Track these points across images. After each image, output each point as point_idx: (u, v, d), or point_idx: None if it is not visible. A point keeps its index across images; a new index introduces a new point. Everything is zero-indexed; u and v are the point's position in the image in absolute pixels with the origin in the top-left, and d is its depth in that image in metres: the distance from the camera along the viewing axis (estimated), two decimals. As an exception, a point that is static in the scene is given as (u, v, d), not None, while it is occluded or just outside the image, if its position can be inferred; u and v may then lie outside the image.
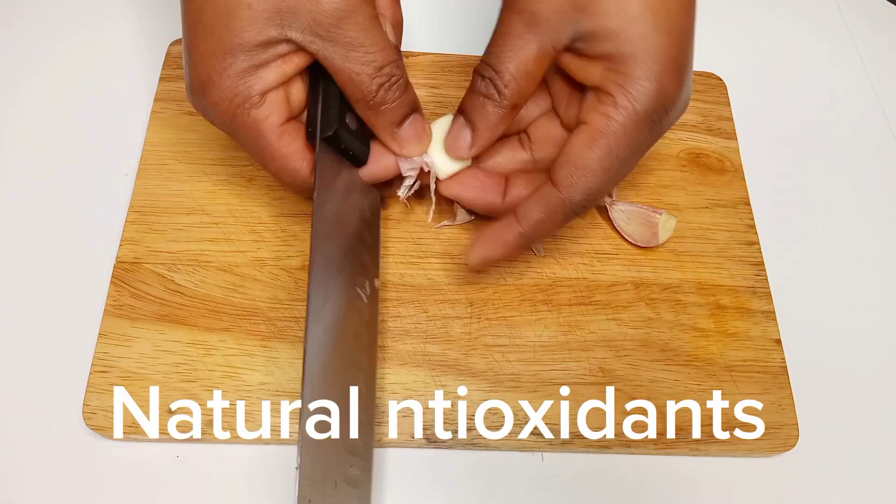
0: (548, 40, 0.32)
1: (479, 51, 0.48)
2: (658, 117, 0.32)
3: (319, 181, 0.34)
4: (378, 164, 0.37)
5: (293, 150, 0.34)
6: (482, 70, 0.33)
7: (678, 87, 0.32)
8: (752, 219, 0.43)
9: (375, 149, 0.36)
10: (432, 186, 0.38)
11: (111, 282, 0.38)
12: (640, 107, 0.31)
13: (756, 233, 0.43)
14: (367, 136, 0.36)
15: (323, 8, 0.31)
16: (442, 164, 0.37)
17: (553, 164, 0.34)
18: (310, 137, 0.35)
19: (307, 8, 0.31)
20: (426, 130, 0.36)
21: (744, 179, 0.45)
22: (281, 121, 0.34)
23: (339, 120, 0.34)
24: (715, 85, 0.48)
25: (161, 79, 0.43)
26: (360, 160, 0.36)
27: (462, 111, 0.35)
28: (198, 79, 0.33)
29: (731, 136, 0.46)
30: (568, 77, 0.34)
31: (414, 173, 0.37)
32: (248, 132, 0.33)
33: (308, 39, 0.32)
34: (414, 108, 0.36)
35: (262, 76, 0.33)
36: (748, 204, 0.44)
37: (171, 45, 0.45)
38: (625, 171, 0.34)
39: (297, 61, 0.33)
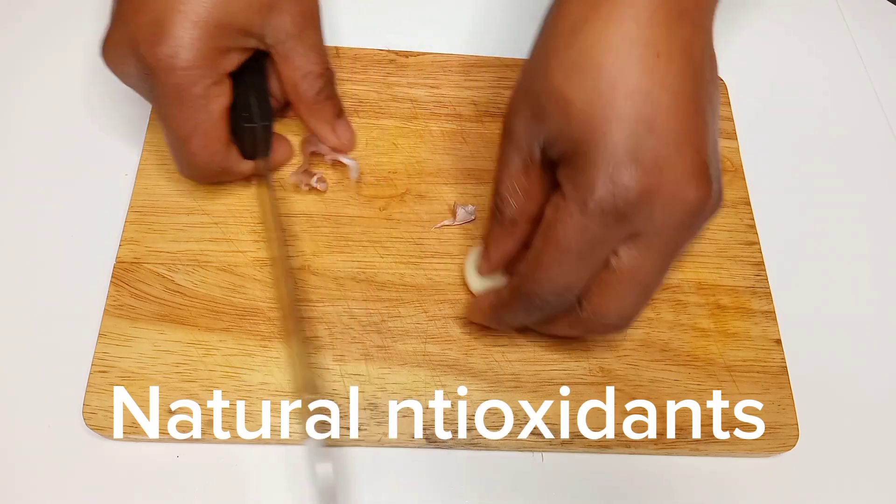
0: (525, 153, 0.33)
1: (479, 51, 0.48)
2: (615, 210, 0.29)
3: None
4: (282, 154, 0.42)
5: (224, 135, 0.37)
6: (495, 200, 0.35)
7: (636, 175, 0.29)
8: (752, 219, 0.43)
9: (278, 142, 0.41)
10: None
11: (111, 282, 0.38)
12: (589, 199, 0.29)
13: (756, 233, 0.43)
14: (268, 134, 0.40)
15: (304, 8, 0.37)
16: (474, 283, 0.39)
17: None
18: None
19: (290, 6, 0.36)
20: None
21: (744, 179, 0.45)
22: (227, 105, 0.36)
23: (260, 116, 0.38)
24: (715, 85, 0.48)
25: (161, 79, 0.43)
26: (258, 152, 0.39)
27: (484, 240, 0.38)
28: (171, 36, 0.33)
29: (732, 136, 0.46)
30: None
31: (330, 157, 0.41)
32: (195, 104, 0.35)
33: (280, 38, 0.37)
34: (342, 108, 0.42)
35: (232, 59, 0.36)
36: (748, 204, 0.44)
37: (171, 44, 0.45)
38: (590, 266, 0.31)
39: (242, 57, 0.37)
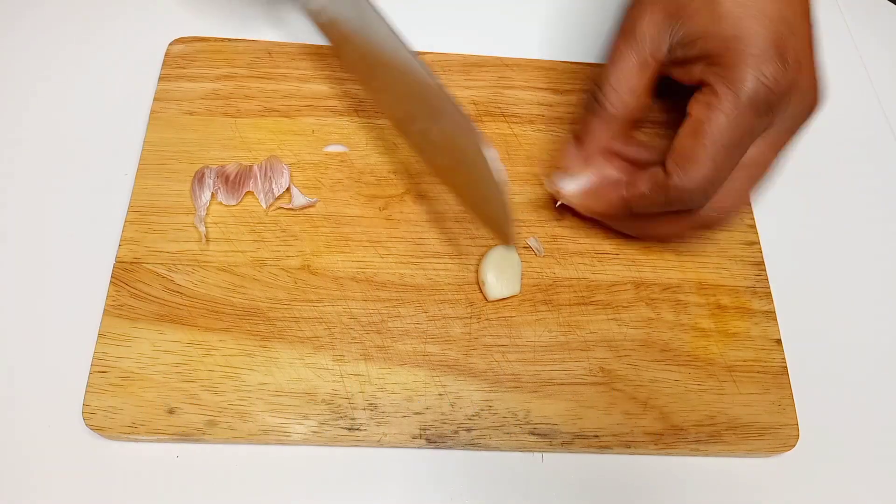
0: (646, 52, 0.35)
1: (479, 51, 0.48)
2: (766, 102, 0.33)
3: None
4: None
5: None
6: (588, 87, 0.36)
7: (783, 69, 0.32)
8: (753, 219, 0.43)
9: None
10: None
11: (111, 282, 0.38)
12: (741, 93, 0.32)
13: (756, 233, 0.43)
14: None
15: None
16: (493, 287, 0.39)
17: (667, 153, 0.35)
18: None
19: None
20: None
21: (744, 179, 0.45)
22: None
23: None
24: (715, 85, 0.48)
25: (161, 79, 0.43)
26: None
27: (572, 131, 0.37)
28: None
29: (732, 136, 0.46)
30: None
31: None
32: None
33: None
34: None
35: None
36: (748, 203, 0.44)
37: (170, 44, 0.45)
38: (736, 160, 0.34)
39: None
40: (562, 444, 0.36)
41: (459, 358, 0.38)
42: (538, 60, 0.47)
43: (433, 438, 0.36)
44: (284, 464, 0.36)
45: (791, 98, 0.33)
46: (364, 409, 0.36)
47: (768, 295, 0.41)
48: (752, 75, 0.32)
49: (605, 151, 0.38)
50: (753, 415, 0.38)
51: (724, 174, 0.34)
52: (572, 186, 0.38)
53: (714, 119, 0.33)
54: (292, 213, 0.40)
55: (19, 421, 0.36)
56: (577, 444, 0.36)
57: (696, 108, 0.34)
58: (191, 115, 0.42)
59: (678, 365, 0.39)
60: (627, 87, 0.36)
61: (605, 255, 0.41)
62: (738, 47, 0.32)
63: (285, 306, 0.38)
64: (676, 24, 0.34)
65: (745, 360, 0.39)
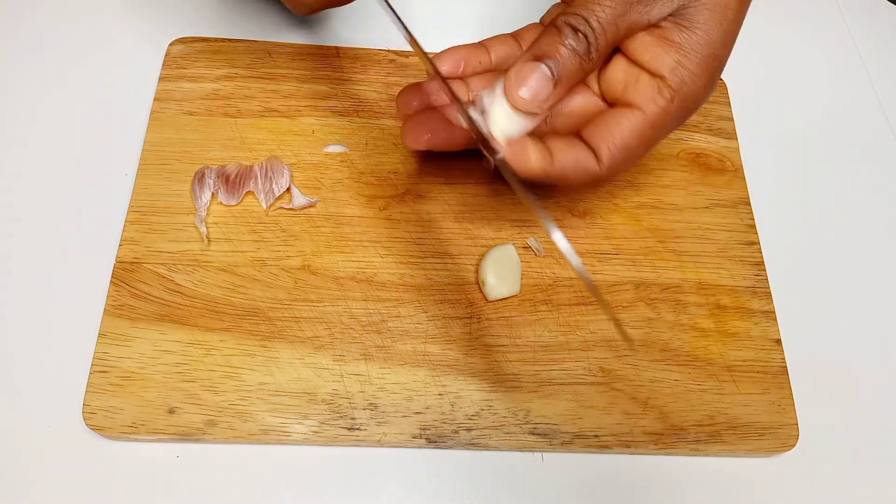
0: (646, 17, 0.33)
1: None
2: (691, 113, 0.35)
3: None
4: None
5: None
6: (578, 24, 0.33)
7: (713, 86, 0.34)
8: (753, 219, 0.43)
9: None
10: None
11: (111, 282, 0.38)
12: (689, 101, 0.34)
13: (756, 233, 0.43)
14: None
15: None
16: (493, 287, 0.38)
17: (595, 136, 0.34)
18: None
19: None
20: None
21: (744, 179, 0.45)
22: None
23: None
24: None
25: (161, 79, 0.43)
26: None
27: (544, 57, 0.33)
28: None
29: (732, 135, 0.46)
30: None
31: None
32: None
33: None
34: None
35: None
36: (748, 204, 0.44)
37: (170, 44, 0.45)
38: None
39: None
40: (562, 444, 0.36)
41: (459, 358, 0.38)
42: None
43: (433, 438, 0.36)
44: (284, 464, 0.36)
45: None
46: (364, 409, 0.36)
47: (768, 295, 0.41)
48: (704, 89, 0.34)
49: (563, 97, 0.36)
50: (753, 415, 0.38)
51: None
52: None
53: (664, 124, 0.34)
54: (292, 213, 0.40)
55: (19, 421, 0.36)
56: (577, 444, 0.36)
57: (651, 107, 0.33)
58: (191, 115, 0.42)
59: (678, 365, 0.39)
60: (614, 43, 0.34)
61: (605, 255, 0.41)
62: (705, 54, 0.33)
63: (285, 306, 0.38)
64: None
65: (744, 360, 0.39)
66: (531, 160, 0.33)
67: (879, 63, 0.52)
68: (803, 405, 0.38)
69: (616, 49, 0.35)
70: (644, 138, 0.34)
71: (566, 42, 0.32)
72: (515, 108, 0.33)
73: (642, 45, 0.34)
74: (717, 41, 0.33)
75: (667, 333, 0.39)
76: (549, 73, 0.32)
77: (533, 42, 0.33)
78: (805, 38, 0.53)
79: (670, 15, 0.33)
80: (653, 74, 0.34)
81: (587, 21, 0.32)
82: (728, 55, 0.34)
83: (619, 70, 0.35)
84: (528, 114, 0.33)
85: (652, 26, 0.34)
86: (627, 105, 0.34)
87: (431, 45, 0.47)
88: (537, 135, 0.35)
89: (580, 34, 0.32)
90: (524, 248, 0.41)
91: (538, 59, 0.33)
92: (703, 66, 0.33)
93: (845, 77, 0.52)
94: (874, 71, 0.52)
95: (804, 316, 0.42)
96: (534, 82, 0.32)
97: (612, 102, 0.36)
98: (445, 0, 0.51)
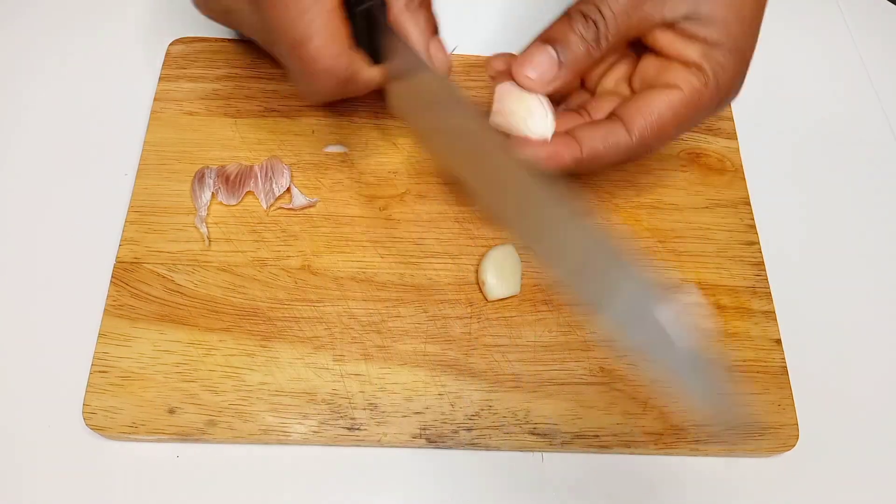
0: (659, 13, 0.34)
1: (479, 51, 0.48)
2: (726, 103, 0.36)
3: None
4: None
5: (344, 29, 0.33)
6: (589, 12, 0.34)
7: (743, 78, 0.35)
8: (753, 219, 0.43)
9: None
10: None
11: (111, 282, 0.38)
12: (723, 89, 0.34)
13: (756, 233, 0.43)
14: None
15: None
16: (493, 287, 0.39)
17: (631, 110, 0.35)
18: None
19: None
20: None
21: (744, 179, 0.45)
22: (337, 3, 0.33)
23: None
24: (715, 85, 0.48)
25: (161, 79, 0.43)
26: (383, 51, 0.35)
27: (553, 42, 0.34)
28: None
29: (732, 135, 0.46)
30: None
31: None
32: (302, 3, 0.31)
33: None
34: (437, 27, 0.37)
35: None
36: (748, 204, 0.44)
37: (170, 44, 0.45)
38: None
39: None
40: (562, 444, 0.36)
41: (459, 358, 0.38)
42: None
43: (433, 438, 0.36)
44: (284, 464, 0.36)
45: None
46: (364, 409, 0.36)
47: (768, 295, 0.41)
48: (734, 79, 0.35)
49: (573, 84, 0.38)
50: (753, 415, 0.38)
51: None
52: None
53: (701, 105, 0.34)
54: (292, 213, 0.40)
55: (19, 421, 0.36)
56: (577, 444, 0.36)
57: (688, 86, 0.34)
58: (191, 115, 0.42)
59: (678, 365, 0.39)
60: (626, 37, 0.35)
61: (605, 255, 0.41)
62: (731, 48, 0.34)
63: (285, 306, 0.38)
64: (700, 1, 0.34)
65: (744, 360, 0.39)
66: (565, 157, 0.34)
67: (879, 63, 0.52)
68: (803, 405, 0.38)
69: (644, 48, 0.36)
70: (678, 116, 0.34)
71: (576, 28, 0.33)
72: (522, 86, 0.34)
73: (669, 41, 0.35)
74: (739, 34, 0.34)
75: (667, 333, 0.39)
76: (555, 55, 0.34)
77: (546, 27, 0.34)
78: (805, 38, 0.53)
79: (686, 16, 0.34)
80: (685, 64, 0.34)
81: (599, 9, 0.33)
82: (753, 48, 0.35)
83: (650, 65, 0.36)
84: (538, 86, 0.34)
85: (670, 26, 0.34)
86: (664, 85, 0.35)
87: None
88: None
89: (590, 21, 0.33)
90: (524, 247, 0.41)
91: (547, 42, 0.34)
92: (730, 57, 0.34)
93: (845, 77, 0.52)
94: (874, 71, 0.52)
95: (804, 316, 0.42)
96: (540, 64, 0.34)
97: (644, 90, 0.36)
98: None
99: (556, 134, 0.35)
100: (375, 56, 0.35)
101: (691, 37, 0.34)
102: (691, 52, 0.34)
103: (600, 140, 0.34)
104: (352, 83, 0.34)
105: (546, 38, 0.34)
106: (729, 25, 0.34)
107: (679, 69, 0.35)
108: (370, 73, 0.35)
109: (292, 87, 0.44)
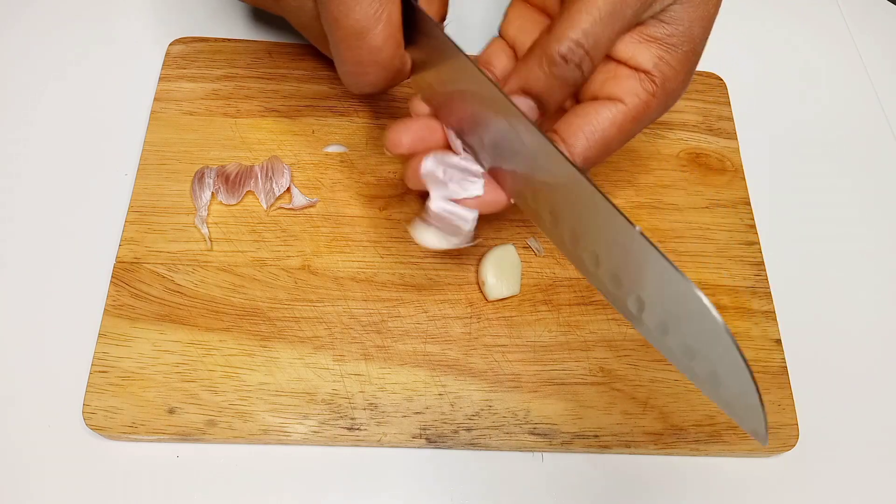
0: (635, 15, 0.31)
1: (479, 50, 0.48)
2: (669, 108, 0.34)
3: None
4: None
5: (401, 19, 0.31)
6: (572, 55, 0.31)
7: (690, 80, 0.34)
8: (753, 219, 0.43)
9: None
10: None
11: (111, 282, 0.38)
12: (670, 96, 0.33)
13: (756, 233, 0.43)
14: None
15: None
16: (493, 287, 0.39)
17: (573, 128, 0.32)
18: None
19: None
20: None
21: (744, 179, 0.45)
22: None
23: None
24: (715, 85, 0.48)
25: (161, 79, 0.43)
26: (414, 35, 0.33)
27: (532, 92, 0.32)
28: None
29: (732, 135, 0.46)
30: None
31: None
32: None
33: None
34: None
35: None
36: (748, 204, 0.44)
37: (170, 44, 0.45)
38: None
39: None
40: (562, 444, 0.36)
41: (459, 358, 0.38)
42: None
43: (433, 438, 0.36)
44: (284, 464, 0.36)
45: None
46: (364, 409, 0.36)
47: (768, 295, 0.41)
48: (683, 84, 0.33)
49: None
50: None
51: None
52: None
53: (645, 116, 0.33)
54: (292, 213, 0.40)
55: (19, 421, 0.36)
56: (577, 444, 0.36)
57: (632, 99, 0.32)
58: (191, 115, 0.42)
59: (678, 365, 0.39)
60: (606, 51, 0.32)
61: (605, 255, 0.41)
62: (685, 50, 0.32)
63: (285, 306, 0.38)
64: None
65: (745, 360, 0.39)
66: (502, 198, 0.33)
67: (879, 63, 0.52)
68: (803, 405, 0.38)
69: None
70: (623, 131, 0.33)
71: (557, 73, 0.31)
72: None
73: (624, 44, 0.33)
74: (697, 36, 0.33)
75: (667, 333, 0.39)
76: (535, 107, 0.32)
77: (520, 65, 0.32)
78: (805, 38, 0.53)
79: (662, 10, 0.32)
80: (634, 69, 0.33)
81: (581, 45, 0.30)
82: (702, 50, 0.34)
83: (598, 70, 0.33)
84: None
85: (636, 25, 0.32)
86: (607, 98, 0.33)
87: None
88: None
89: (572, 65, 0.31)
90: (524, 248, 0.41)
91: (525, 92, 0.32)
92: (684, 62, 0.33)
93: (845, 77, 0.52)
94: (874, 71, 0.52)
95: (804, 316, 0.42)
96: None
97: (587, 99, 0.34)
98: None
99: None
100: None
101: (650, 38, 0.32)
102: (644, 57, 0.32)
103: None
104: (401, 75, 0.33)
105: (524, 87, 0.32)
106: (692, 26, 0.32)
107: (626, 77, 0.33)
108: (409, 59, 0.34)
109: (294, 87, 0.44)
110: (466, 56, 0.31)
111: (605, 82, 0.33)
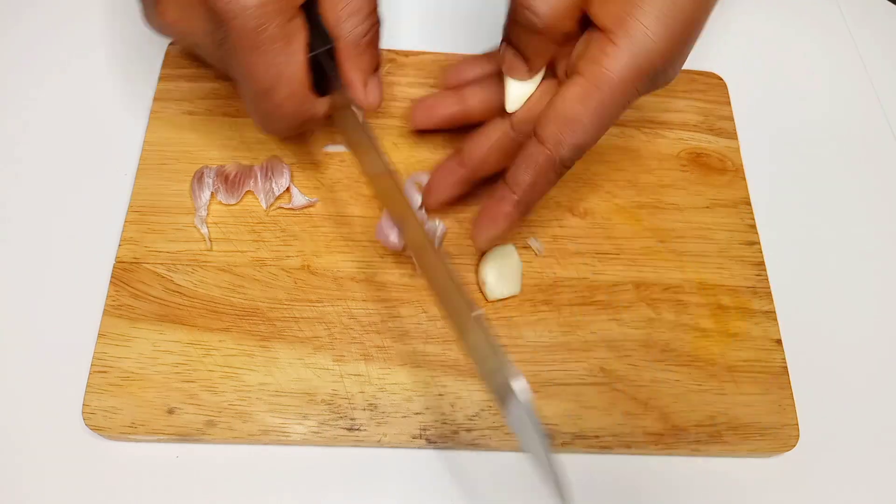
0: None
1: (479, 50, 0.48)
2: (657, 74, 0.31)
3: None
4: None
5: (307, 79, 0.33)
6: (567, 161, 0.32)
7: (683, 48, 0.31)
8: (753, 219, 0.43)
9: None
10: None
11: (111, 282, 0.38)
12: (642, 60, 0.30)
13: (757, 233, 0.43)
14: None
15: None
16: (493, 287, 0.39)
17: (539, 120, 0.32)
18: None
19: None
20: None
21: (744, 179, 0.45)
22: (306, 42, 0.32)
23: (321, 40, 0.34)
24: (715, 85, 0.48)
25: (161, 79, 0.43)
26: (329, 85, 0.35)
27: (519, 195, 0.34)
28: None
29: (732, 135, 0.46)
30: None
31: None
32: (275, 46, 0.31)
33: None
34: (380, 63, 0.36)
35: None
36: (749, 204, 0.44)
37: (170, 44, 0.45)
38: (611, 124, 0.32)
39: None
40: (562, 445, 0.36)
41: (459, 358, 0.38)
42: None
43: (433, 439, 0.36)
44: (284, 464, 0.36)
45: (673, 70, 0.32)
46: (364, 410, 0.36)
47: (768, 295, 0.41)
48: (661, 48, 0.30)
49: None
50: (754, 415, 0.38)
51: (598, 140, 0.32)
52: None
53: (610, 84, 0.30)
54: (292, 212, 0.40)
55: (19, 421, 0.35)
56: (577, 445, 0.36)
57: (591, 69, 0.30)
58: (191, 115, 0.42)
59: (679, 365, 0.39)
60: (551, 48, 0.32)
61: (606, 256, 0.41)
62: (661, 11, 0.29)
63: (285, 306, 0.38)
64: None
65: (745, 361, 0.39)
66: (500, 220, 0.34)
67: (879, 63, 0.52)
68: (804, 405, 0.38)
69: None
70: (589, 106, 0.30)
71: (550, 178, 0.32)
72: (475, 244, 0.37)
73: (597, 2, 0.30)
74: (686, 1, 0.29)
75: (667, 334, 0.39)
76: (522, 209, 0.34)
77: (514, 168, 0.33)
78: (805, 38, 0.53)
79: None
80: (602, 29, 0.30)
81: (572, 144, 0.31)
82: (705, 16, 0.31)
83: (578, 44, 0.32)
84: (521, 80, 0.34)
85: None
86: (571, 73, 0.31)
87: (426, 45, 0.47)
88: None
89: (565, 168, 0.32)
90: (524, 248, 0.41)
91: (514, 192, 0.33)
92: (662, 21, 0.29)
93: (845, 77, 0.52)
94: (874, 71, 0.52)
95: (804, 316, 0.42)
96: (501, 221, 0.34)
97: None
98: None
99: (490, 197, 0.34)
100: (321, 89, 0.35)
101: None
102: (609, 10, 0.30)
103: (525, 172, 0.32)
104: (308, 123, 0.35)
105: (517, 193, 0.33)
106: None
107: (588, 45, 0.31)
108: (321, 108, 0.36)
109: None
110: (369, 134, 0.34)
111: (579, 56, 0.32)
